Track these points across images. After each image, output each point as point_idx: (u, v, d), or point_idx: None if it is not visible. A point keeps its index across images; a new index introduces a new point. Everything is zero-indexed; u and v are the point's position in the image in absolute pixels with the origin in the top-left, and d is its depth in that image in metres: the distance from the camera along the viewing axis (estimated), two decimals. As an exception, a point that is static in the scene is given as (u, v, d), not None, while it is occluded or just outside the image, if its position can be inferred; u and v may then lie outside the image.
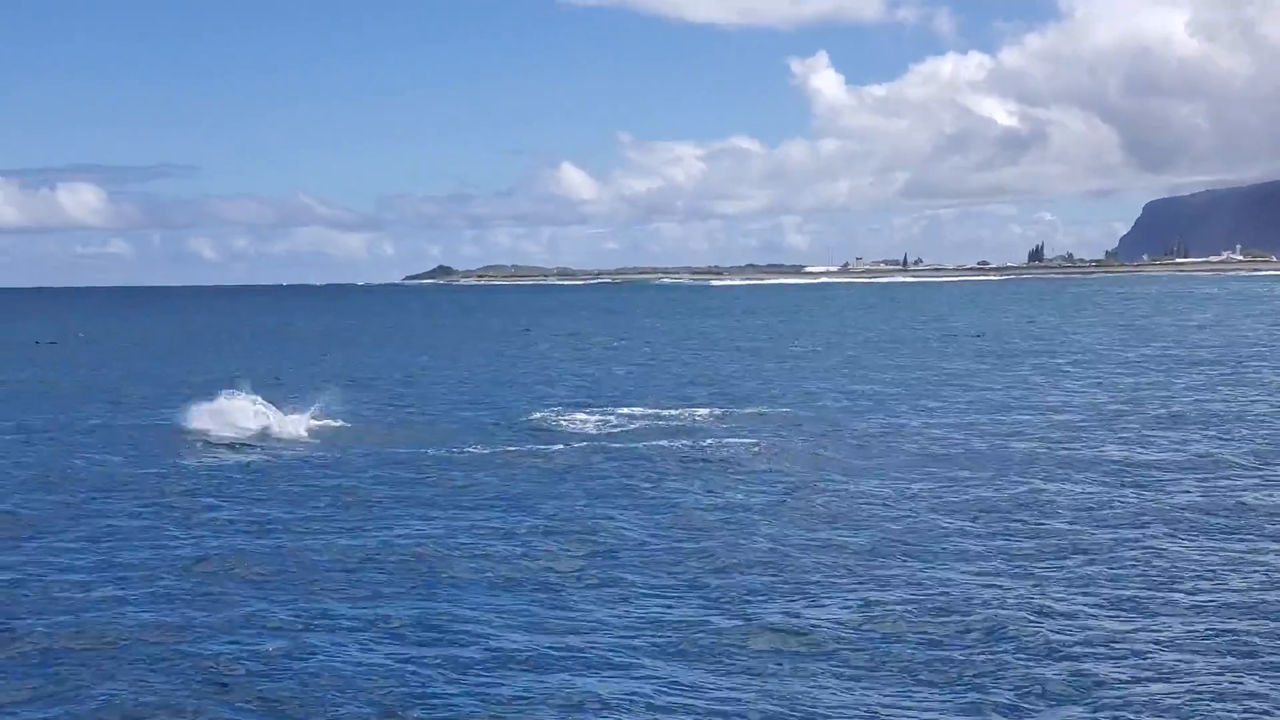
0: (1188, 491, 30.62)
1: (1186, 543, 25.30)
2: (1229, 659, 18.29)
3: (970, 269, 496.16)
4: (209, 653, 19.39)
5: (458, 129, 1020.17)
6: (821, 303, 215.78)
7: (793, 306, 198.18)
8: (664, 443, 40.24)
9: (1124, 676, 17.65)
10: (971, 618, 20.31)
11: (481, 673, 18.35)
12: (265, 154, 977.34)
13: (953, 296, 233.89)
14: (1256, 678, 17.46)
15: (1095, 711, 16.56)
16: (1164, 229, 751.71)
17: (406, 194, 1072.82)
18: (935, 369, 68.62)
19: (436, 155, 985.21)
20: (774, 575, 23.43)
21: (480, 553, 25.51)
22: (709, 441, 40.34)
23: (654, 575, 23.60)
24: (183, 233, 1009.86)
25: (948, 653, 18.80)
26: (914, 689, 17.48)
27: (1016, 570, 23.41)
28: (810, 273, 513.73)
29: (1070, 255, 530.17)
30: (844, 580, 23.03)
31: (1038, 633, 19.46)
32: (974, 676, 17.83)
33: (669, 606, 21.53)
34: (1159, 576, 22.76)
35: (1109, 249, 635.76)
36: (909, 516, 28.29)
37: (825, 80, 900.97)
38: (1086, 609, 20.79)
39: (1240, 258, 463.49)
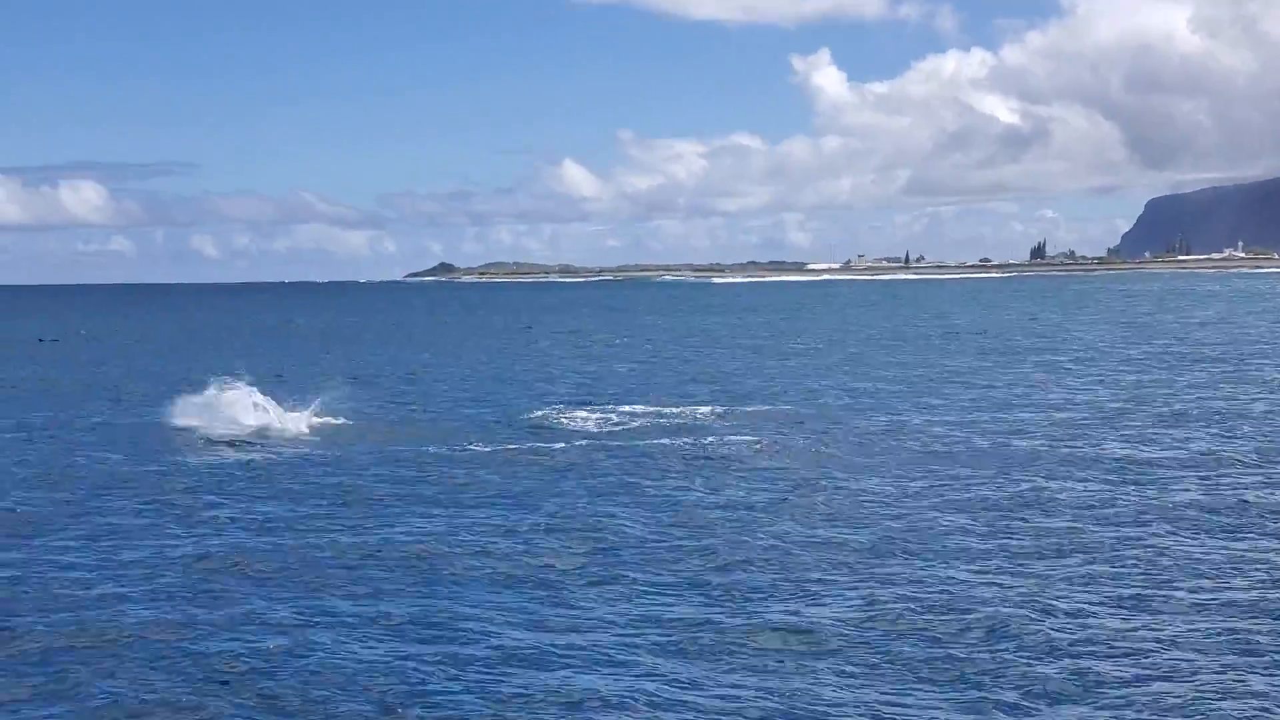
0: (1190, 489, 30.59)
1: (1189, 541, 25.26)
2: (1231, 657, 18.26)
3: (972, 266, 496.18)
4: (210, 650, 19.39)
5: (459, 126, 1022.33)
6: (823, 300, 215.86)
7: (794, 304, 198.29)
8: (665, 440, 40.24)
9: (1126, 675, 17.62)
10: (973, 615, 20.28)
11: (483, 670, 18.34)
12: (267, 151, 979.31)
13: (954, 294, 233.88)
14: (1259, 676, 17.44)
15: (1097, 710, 16.54)
16: (1166, 226, 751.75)
17: (408, 191, 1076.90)
18: (937, 366, 68.59)
19: (438, 152, 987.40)
20: (775, 573, 23.41)
21: (481, 550, 25.50)
22: (710, 439, 40.34)
23: (655, 573, 23.58)
24: (184, 230, 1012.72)
25: (949, 650, 18.77)
26: (915, 687, 17.45)
27: (1018, 568, 23.39)
28: (812, 270, 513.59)
29: (1072, 252, 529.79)
30: (845, 578, 23.01)
31: (1039, 631, 19.44)
32: (976, 674, 17.80)
33: (670, 604, 21.51)
34: (1161, 574, 22.73)
35: (1111, 246, 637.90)
36: (910, 514, 28.27)
37: (827, 77, 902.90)
38: (1088, 607, 20.76)
39: (1243, 255, 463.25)
